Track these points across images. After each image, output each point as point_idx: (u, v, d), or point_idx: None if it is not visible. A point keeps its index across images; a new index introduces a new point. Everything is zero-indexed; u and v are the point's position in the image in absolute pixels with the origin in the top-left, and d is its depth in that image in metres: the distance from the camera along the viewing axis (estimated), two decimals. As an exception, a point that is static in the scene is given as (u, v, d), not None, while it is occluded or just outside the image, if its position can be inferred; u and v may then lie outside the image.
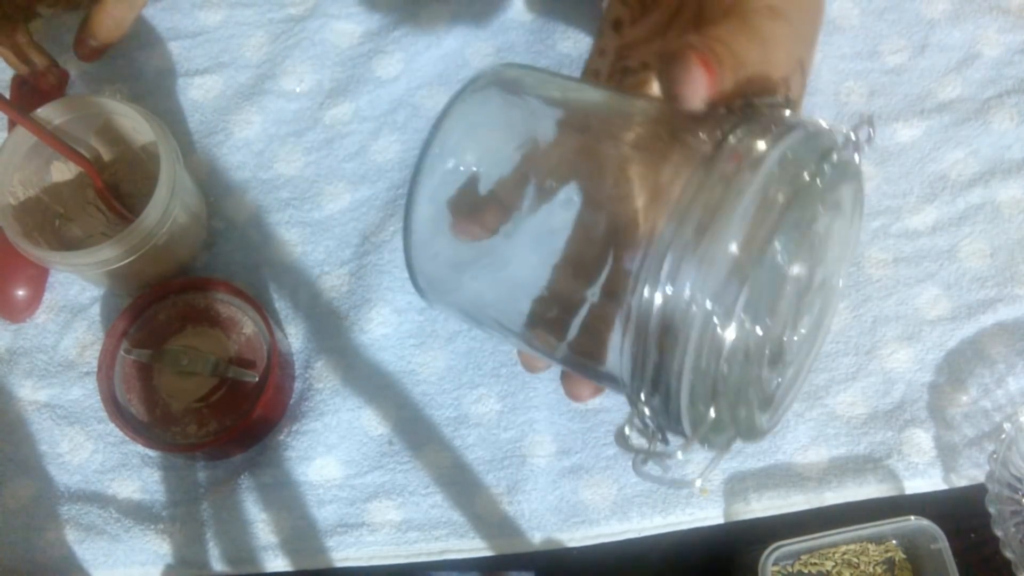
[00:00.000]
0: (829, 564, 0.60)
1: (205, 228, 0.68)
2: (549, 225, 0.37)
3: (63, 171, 0.66)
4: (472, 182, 0.37)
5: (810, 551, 0.60)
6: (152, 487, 0.63)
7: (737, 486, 0.61)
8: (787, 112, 0.34)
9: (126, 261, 0.60)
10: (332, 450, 0.63)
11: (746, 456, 0.62)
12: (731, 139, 0.32)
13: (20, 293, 0.66)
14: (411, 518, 0.62)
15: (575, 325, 0.37)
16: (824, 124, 0.33)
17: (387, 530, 0.62)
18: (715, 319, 0.30)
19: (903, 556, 0.60)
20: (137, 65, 0.73)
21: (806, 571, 0.60)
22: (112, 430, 0.64)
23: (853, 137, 0.33)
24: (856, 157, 0.34)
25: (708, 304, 0.30)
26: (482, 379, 0.64)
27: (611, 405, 0.63)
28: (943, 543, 0.57)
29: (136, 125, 0.64)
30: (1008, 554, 0.56)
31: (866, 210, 0.67)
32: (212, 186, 0.70)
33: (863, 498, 0.61)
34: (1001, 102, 0.70)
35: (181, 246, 0.65)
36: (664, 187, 0.34)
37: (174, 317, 0.63)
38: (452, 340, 0.65)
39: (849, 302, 0.65)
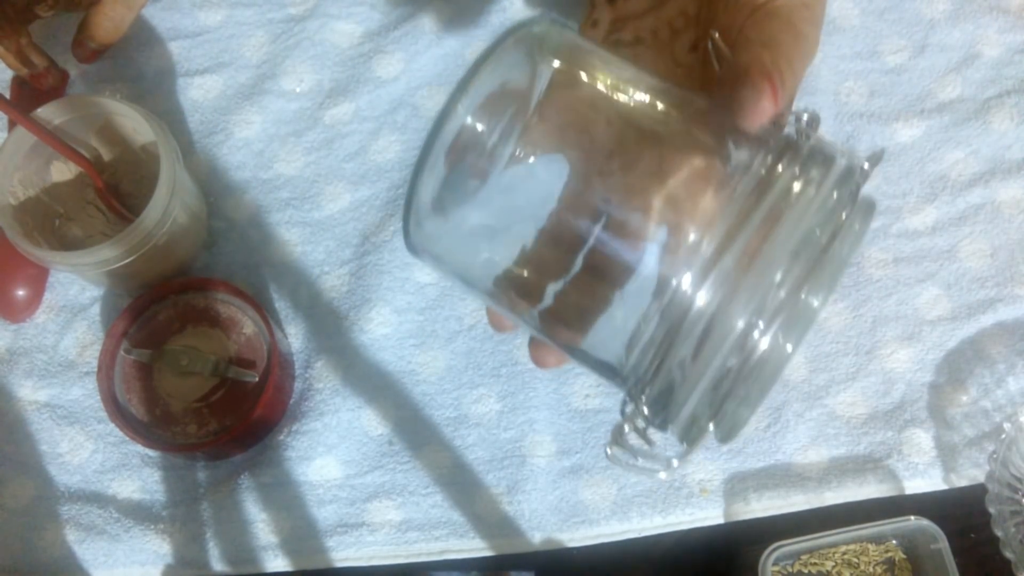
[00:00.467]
0: (829, 564, 0.60)
1: (205, 228, 0.68)
2: (538, 186, 0.37)
3: (63, 171, 0.66)
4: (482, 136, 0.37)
5: (810, 551, 0.60)
6: (152, 487, 0.63)
7: (737, 486, 0.62)
8: (809, 123, 0.35)
9: (126, 261, 0.60)
10: (332, 450, 0.63)
11: (746, 456, 0.62)
12: (781, 168, 0.34)
13: (20, 293, 0.66)
14: (411, 518, 0.62)
15: (551, 292, 0.38)
16: (844, 154, 0.35)
17: (387, 530, 0.62)
18: (756, 333, 0.32)
19: (903, 556, 0.60)
20: (137, 65, 0.73)
21: (806, 571, 0.60)
22: (112, 430, 0.64)
23: (867, 168, 0.34)
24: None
25: (753, 321, 0.32)
26: (482, 379, 0.64)
27: (611, 405, 0.63)
28: (943, 543, 0.57)
29: (136, 125, 0.64)
30: (1008, 554, 0.56)
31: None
32: (212, 186, 0.70)
33: (863, 498, 0.61)
34: (1001, 102, 0.70)
35: (181, 246, 0.65)
36: (694, 191, 0.35)
37: (174, 317, 0.63)
38: (452, 340, 0.65)
39: (849, 302, 0.65)
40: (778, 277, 0.32)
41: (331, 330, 0.66)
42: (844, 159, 0.35)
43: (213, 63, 0.73)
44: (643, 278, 0.35)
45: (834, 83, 0.71)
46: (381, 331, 0.65)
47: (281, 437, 0.64)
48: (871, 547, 0.60)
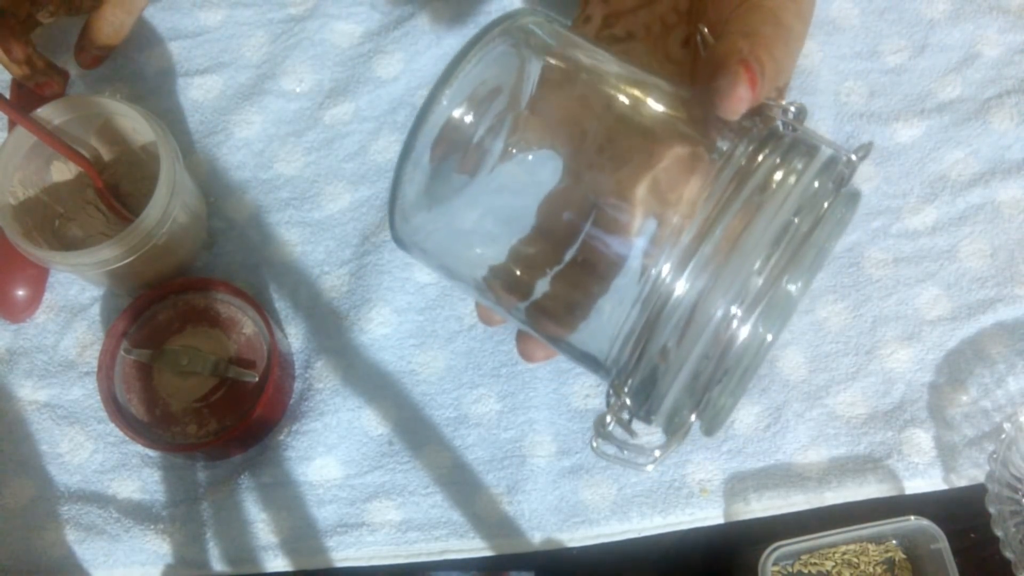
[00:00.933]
0: (829, 564, 0.60)
1: (205, 228, 0.68)
2: (529, 182, 0.38)
3: (63, 171, 0.66)
4: (468, 129, 0.37)
5: (810, 551, 0.60)
6: (152, 487, 0.63)
7: (737, 486, 0.61)
8: (795, 115, 0.35)
9: (126, 261, 0.60)
10: (332, 450, 0.63)
11: (746, 456, 0.62)
12: (762, 157, 0.34)
13: (20, 293, 0.66)
14: (411, 518, 0.62)
15: (539, 286, 0.38)
16: (830, 146, 0.35)
17: (387, 530, 0.62)
18: (735, 322, 0.32)
19: (903, 556, 0.60)
20: (137, 65, 0.73)
21: (806, 571, 0.60)
22: (112, 430, 0.64)
23: (855, 159, 0.34)
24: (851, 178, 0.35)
25: (732, 309, 0.32)
26: (482, 379, 0.64)
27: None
28: (943, 543, 0.57)
29: (136, 125, 0.64)
30: (1008, 554, 0.56)
31: (866, 210, 0.68)
32: (212, 186, 0.70)
33: (863, 498, 0.61)
34: (1001, 102, 0.70)
35: (181, 246, 0.65)
36: (680, 183, 0.35)
37: (174, 317, 0.63)
38: (452, 340, 0.65)
39: (849, 302, 0.65)
40: (757, 265, 0.32)
41: (331, 330, 0.66)
42: (829, 149, 0.35)
43: (213, 63, 0.73)
44: (631, 271, 0.36)
45: (834, 83, 0.71)
46: (381, 331, 0.65)
47: (281, 437, 0.64)
48: (871, 547, 0.60)
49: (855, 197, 0.35)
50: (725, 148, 0.35)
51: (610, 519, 0.61)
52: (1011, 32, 0.72)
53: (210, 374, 0.62)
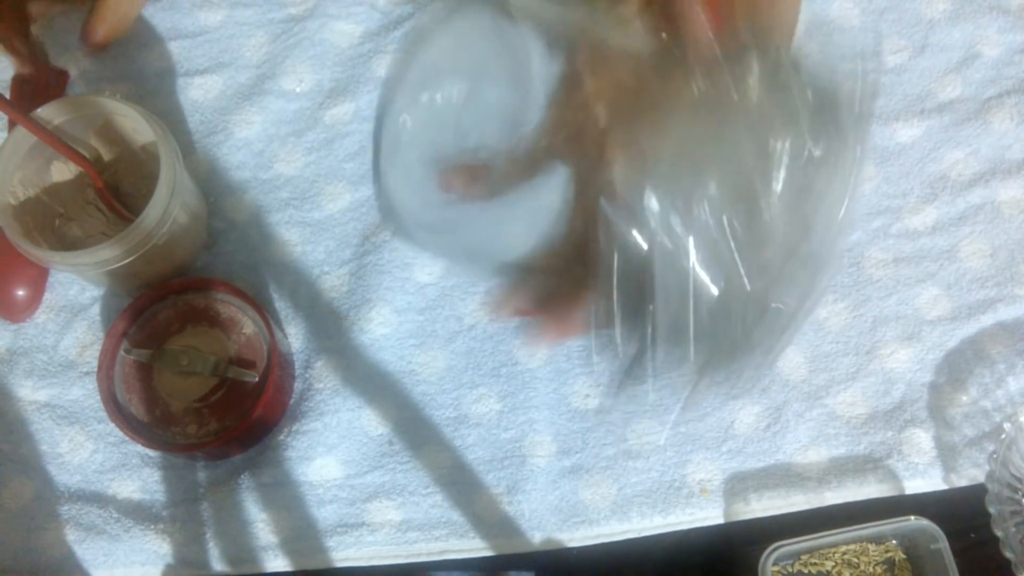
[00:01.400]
0: (829, 564, 0.60)
1: (205, 228, 0.68)
2: (541, 200, 0.38)
3: (63, 171, 0.66)
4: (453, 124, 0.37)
5: (810, 551, 0.60)
6: (152, 487, 0.63)
7: (737, 486, 0.61)
8: (785, 54, 0.35)
9: (126, 261, 0.60)
10: (332, 450, 0.63)
11: (746, 456, 0.62)
12: (732, 81, 0.33)
13: (20, 293, 0.66)
14: (411, 518, 0.62)
15: (552, 282, 0.38)
16: (831, 76, 0.34)
17: (387, 530, 0.62)
18: (688, 253, 0.32)
19: (903, 556, 0.60)
20: (137, 65, 0.73)
21: (806, 571, 0.60)
22: (112, 430, 0.64)
23: (859, 100, 0.34)
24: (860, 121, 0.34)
25: (686, 241, 0.32)
26: (482, 379, 0.64)
27: (612, 405, 0.63)
28: (943, 543, 0.57)
29: (136, 125, 0.64)
30: (1008, 554, 0.56)
31: (866, 210, 0.68)
32: (212, 186, 0.70)
33: (863, 498, 0.61)
34: (1001, 102, 0.70)
35: (181, 246, 0.65)
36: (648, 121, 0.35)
37: (174, 317, 0.63)
38: (452, 340, 0.65)
39: (849, 302, 0.65)
40: (712, 188, 0.32)
41: (331, 330, 0.66)
42: (819, 83, 0.34)
43: (213, 63, 0.73)
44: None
45: (834, 83, 0.71)
46: (381, 331, 0.65)
47: (281, 437, 0.64)
48: (871, 547, 0.60)
49: (855, 122, 0.34)
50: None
51: (610, 519, 0.61)
52: (1011, 32, 0.72)
53: (210, 374, 0.62)
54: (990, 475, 0.58)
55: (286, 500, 0.62)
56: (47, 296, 0.68)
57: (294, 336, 0.66)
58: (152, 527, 0.62)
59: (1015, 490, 0.59)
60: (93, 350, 0.66)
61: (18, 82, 0.70)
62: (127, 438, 0.60)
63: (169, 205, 0.61)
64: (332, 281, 0.67)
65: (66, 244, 0.65)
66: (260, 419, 0.61)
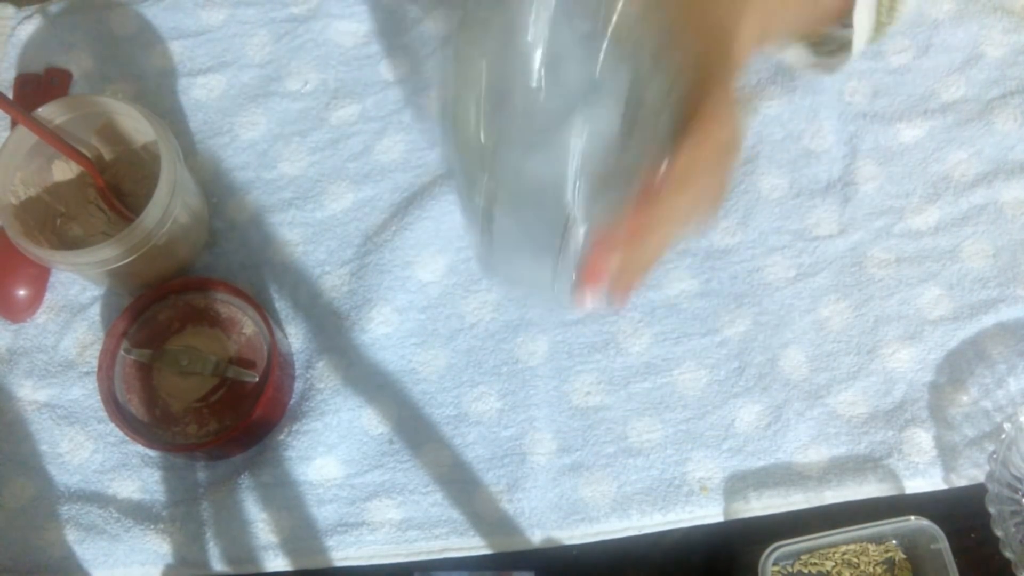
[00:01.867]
0: (829, 564, 0.60)
1: (206, 228, 0.68)
2: None
3: (64, 170, 0.66)
4: None
5: (810, 551, 0.60)
6: (152, 487, 0.63)
7: (737, 484, 0.61)
8: None
9: (126, 260, 0.60)
10: (332, 449, 0.63)
11: (746, 455, 0.62)
12: None
13: (21, 293, 0.66)
14: (411, 517, 0.62)
15: None
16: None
17: (387, 529, 0.62)
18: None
19: (903, 556, 0.60)
20: (139, 64, 0.73)
21: (806, 571, 0.60)
22: (112, 430, 0.64)
23: None
24: None
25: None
26: (482, 377, 0.64)
27: (611, 403, 0.63)
28: (943, 543, 0.57)
29: (137, 125, 0.64)
30: (1008, 554, 0.56)
31: (869, 209, 0.68)
32: (215, 186, 0.70)
33: (863, 497, 0.61)
34: (1005, 103, 0.69)
35: (182, 246, 0.65)
36: None
37: (174, 317, 0.63)
38: (453, 339, 0.65)
39: (851, 301, 0.65)
40: None
41: (332, 330, 0.66)
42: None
43: (216, 62, 0.73)
44: None
45: (838, 82, 0.70)
46: (382, 330, 0.65)
47: (281, 437, 0.64)
48: (871, 547, 0.60)
49: None
50: None
51: (610, 516, 0.61)
52: (1015, 33, 0.71)
53: (210, 374, 0.62)
54: (990, 475, 0.58)
55: (286, 500, 0.62)
56: (48, 296, 0.68)
57: (295, 336, 0.66)
58: (152, 527, 0.62)
59: (1015, 490, 0.59)
60: (93, 350, 0.66)
61: (20, 81, 0.71)
62: (127, 438, 0.61)
63: (170, 205, 0.61)
64: (333, 281, 0.67)
65: (67, 243, 0.65)
66: (260, 419, 0.61)
